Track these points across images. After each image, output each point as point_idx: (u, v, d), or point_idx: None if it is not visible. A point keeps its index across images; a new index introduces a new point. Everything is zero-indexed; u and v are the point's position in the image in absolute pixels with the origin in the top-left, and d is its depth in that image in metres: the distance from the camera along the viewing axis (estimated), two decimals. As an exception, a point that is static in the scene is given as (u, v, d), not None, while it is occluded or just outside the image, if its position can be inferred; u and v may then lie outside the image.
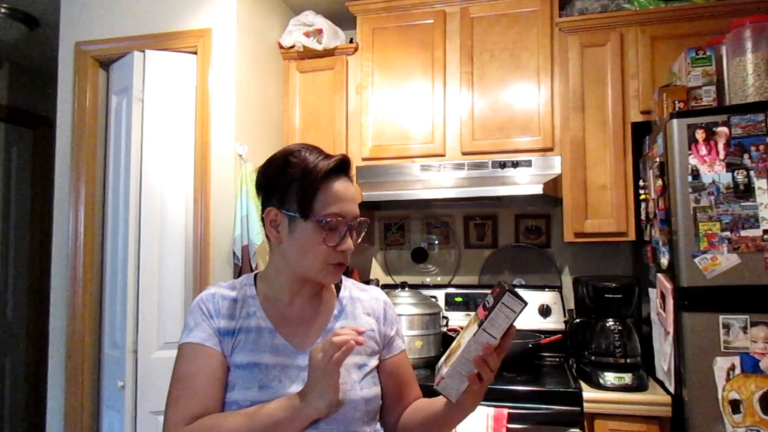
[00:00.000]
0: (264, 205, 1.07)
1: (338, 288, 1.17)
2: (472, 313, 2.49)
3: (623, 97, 2.23)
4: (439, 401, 1.07)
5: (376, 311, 1.17)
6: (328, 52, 2.57)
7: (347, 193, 1.05)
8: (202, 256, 2.16)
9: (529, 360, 2.20)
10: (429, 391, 1.11)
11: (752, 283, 1.65)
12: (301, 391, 0.97)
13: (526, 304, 0.92)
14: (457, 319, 2.52)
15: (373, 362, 1.12)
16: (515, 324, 0.95)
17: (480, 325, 0.94)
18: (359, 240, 1.09)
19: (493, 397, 1.87)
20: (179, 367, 1.02)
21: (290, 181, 1.02)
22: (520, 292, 2.83)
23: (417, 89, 2.45)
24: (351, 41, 2.65)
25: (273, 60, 2.58)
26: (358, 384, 1.06)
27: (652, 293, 1.99)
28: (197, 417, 0.97)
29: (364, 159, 2.49)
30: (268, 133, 2.50)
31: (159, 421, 2.02)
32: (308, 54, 2.59)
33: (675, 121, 1.75)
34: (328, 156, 1.05)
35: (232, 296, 1.07)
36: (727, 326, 1.65)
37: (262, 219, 1.06)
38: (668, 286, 1.78)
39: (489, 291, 2.61)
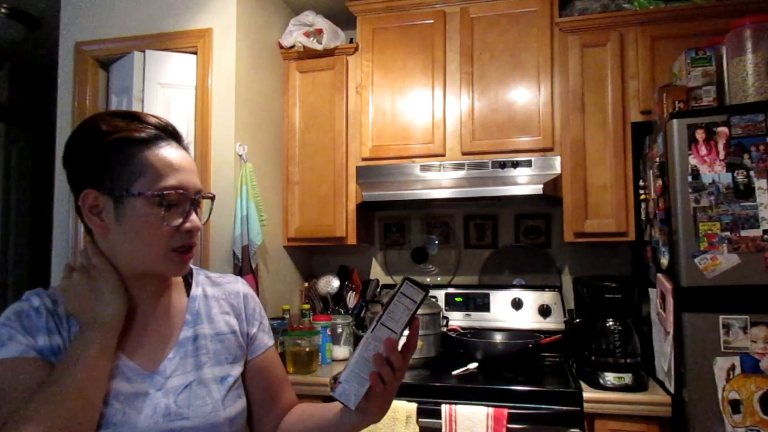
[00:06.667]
0: (77, 189, 0.85)
1: (189, 285, 0.98)
2: (472, 313, 2.52)
3: (623, 97, 2.23)
4: (333, 407, 0.92)
5: (236, 308, 1.00)
6: (328, 52, 2.57)
7: (184, 162, 0.87)
8: (202, 257, 2.16)
9: (529, 360, 2.20)
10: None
11: (752, 283, 1.64)
12: (83, 314, 0.82)
13: (426, 292, 0.82)
14: (457, 319, 2.52)
15: (237, 370, 0.95)
16: (418, 316, 0.84)
17: (378, 319, 0.82)
18: (207, 219, 0.93)
19: (493, 397, 1.87)
20: None
21: (108, 153, 0.82)
22: (520, 291, 2.81)
23: (417, 89, 2.45)
24: (351, 41, 2.65)
25: (273, 60, 2.58)
26: (221, 402, 0.89)
27: (652, 293, 1.99)
28: None
29: (364, 159, 2.49)
30: (268, 133, 2.50)
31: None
32: (308, 54, 2.59)
33: (675, 121, 1.75)
34: (145, 120, 0.87)
35: (56, 309, 0.85)
36: (727, 326, 1.65)
37: (78, 207, 0.85)
38: (668, 286, 1.78)
39: (489, 291, 2.60)
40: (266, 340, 1.03)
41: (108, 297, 0.83)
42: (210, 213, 0.96)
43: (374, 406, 0.85)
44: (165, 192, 0.82)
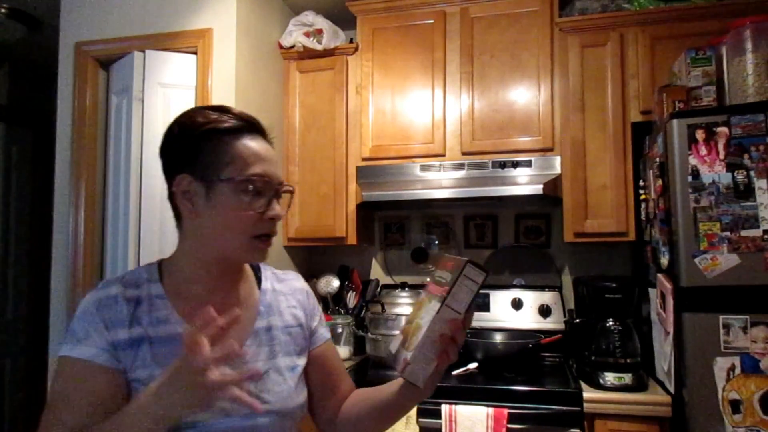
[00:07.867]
0: (170, 174, 0.91)
1: (258, 279, 1.04)
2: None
3: (623, 97, 2.23)
4: (386, 388, 0.99)
5: (302, 303, 1.06)
6: (328, 52, 2.57)
7: (268, 153, 0.92)
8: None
9: (529, 360, 2.20)
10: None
11: (752, 283, 1.65)
12: (161, 381, 0.73)
13: (488, 272, 0.86)
14: (457, 319, 2.52)
15: (302, 361, 1.02)
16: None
17: (442, 302, 0.86)
18: (287, 210, 0.96)
19: (493, 397, 1.87)
20: (55, 387, 0.82)
21: (201, 142, 0.88)
22: (520, 291, 2.80)
23: (417, 89, 2.45)
24: (351, 41, 2.65)
25: (273, 60, 2.58)
26: (294, 390, 0.96)
27: (652, 293, 1.99)
28: None
29: (364, 159, 2.49)
30: (268, 133, 2.50)
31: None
32: (308, 54, 2.59)
33: (675, 121, 1.75)
34: (233, 112, 0.93)
35: (135, 296, 0.88)
36: (727, 326, 1.65)
37: (171, 193, 0.91)
38: (668, 286, 1.78)
39: (489, 291, 2.59)
40: (325, 332, 1.10)
41: (189, 399, 0.72)
42: (290, 206, 0.98)
43: (431, 382, 0.91)
44: (252, 179, 0.87)
